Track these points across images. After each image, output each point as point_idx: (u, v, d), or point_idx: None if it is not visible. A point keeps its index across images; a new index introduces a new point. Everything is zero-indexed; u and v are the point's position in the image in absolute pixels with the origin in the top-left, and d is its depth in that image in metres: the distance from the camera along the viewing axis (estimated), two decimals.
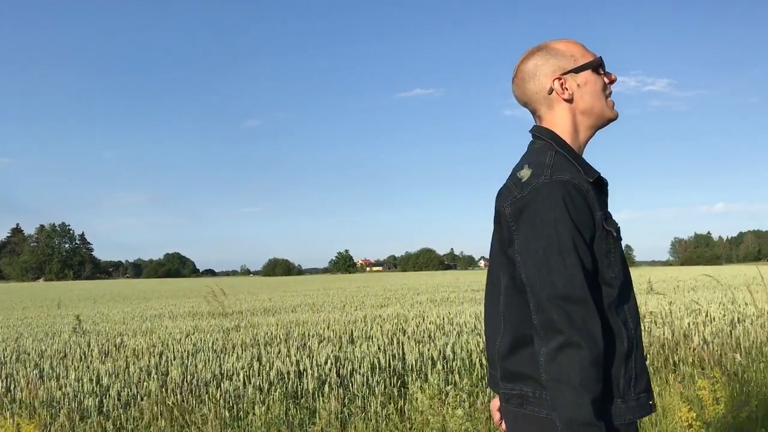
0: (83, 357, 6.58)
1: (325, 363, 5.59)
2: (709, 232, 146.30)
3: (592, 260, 1.33)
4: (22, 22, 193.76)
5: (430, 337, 6.87)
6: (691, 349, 5.52)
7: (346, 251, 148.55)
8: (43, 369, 5.91)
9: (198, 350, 6.59)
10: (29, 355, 6.92)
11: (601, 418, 1.25)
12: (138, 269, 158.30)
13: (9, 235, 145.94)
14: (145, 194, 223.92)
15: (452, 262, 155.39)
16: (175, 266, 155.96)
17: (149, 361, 5.95)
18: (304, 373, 5.32)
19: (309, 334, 7.47)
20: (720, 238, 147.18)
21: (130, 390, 5.04)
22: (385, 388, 5.00)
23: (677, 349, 5.62)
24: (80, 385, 5.22)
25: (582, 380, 1.22)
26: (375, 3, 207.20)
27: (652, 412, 1.40)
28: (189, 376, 5.31)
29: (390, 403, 4.73)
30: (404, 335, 7.01)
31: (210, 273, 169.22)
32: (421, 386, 4.78)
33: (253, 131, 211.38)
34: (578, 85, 1.47)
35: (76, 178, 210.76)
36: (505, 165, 1.54)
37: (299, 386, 5.06)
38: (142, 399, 4.86)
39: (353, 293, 21.65)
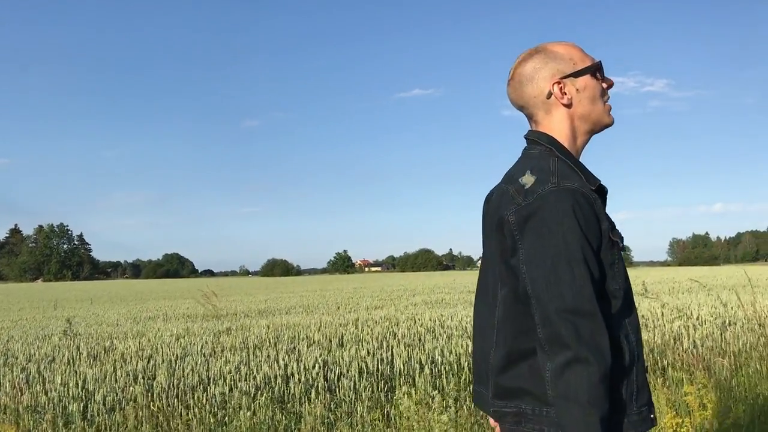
0: (71, 361, 6.55)
1: (313, 367, 5.56)
2: (707, 233, 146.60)
3: (599, 272, 1.29)
4: (20, 22, 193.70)
5: (420, 340, 6.84)
6: (679, 354, 5.51)
7: (345, 252, 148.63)
8: (30, 373, 5.87)
9: (187, 354, 6.56)
10: (17, 358, 6.88)
11: None
12: (137, 270, 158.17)
13: (7, 235, 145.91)
14: (144, 194, 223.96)
15: (451, 262, 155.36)
16: (174, 267, 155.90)
17: (137, 365, 5.92)
18: (292, 377, 5.30)
19: (299, 337, 7.45)
20: (718, 238, 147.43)
21: (116, 395, 5.01)
22: (372, 392, 4.98)
23: (666, 353, 5.60)
24: (65, 389, 5.18)
25: (590, 398, 1.18)
26: (374, 3, 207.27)
27: (654, 426, 1.37)
28: (176, 381, 5.28)
29: (377, 408, 4.71)
30: (394, 338, 6.98)
31: (209, 273, 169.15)
32: (407, 391, 4.77)
33: (253, 131, 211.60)
34: (577, 89, 1.43)
35: (74, 179, 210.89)
36: (504, 165, 1.49)
37: (286, 391, 5.03)
38: (127, 404, 4.84)
39: (349, 294, 21.62)
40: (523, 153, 1.46)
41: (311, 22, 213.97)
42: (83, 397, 5.05)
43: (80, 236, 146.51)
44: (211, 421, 4.54)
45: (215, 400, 4.84)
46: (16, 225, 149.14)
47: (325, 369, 5.56)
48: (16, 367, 6.22)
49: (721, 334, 6.23)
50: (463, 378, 5.21)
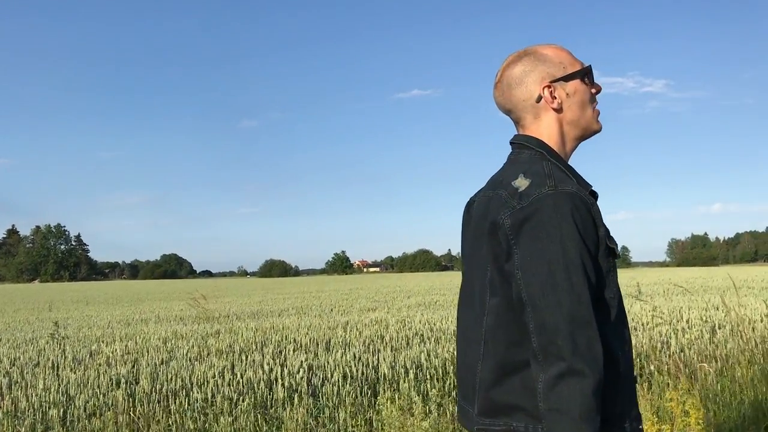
0: (55, 365, 6.50)
1: (298, 372, 5.52)
2: (706, 233, 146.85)
3: (596, 279, 1.25)
4: (19, 23, 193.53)
5: (407, 344, 6.81)
6: (666, 359, 5.47)
7: (343, 252, 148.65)
8: (13, 377, 5.83)
9: (172, 358, 6.52)
10: (1, 362, 6.84)
11: None
12: (135, 270, 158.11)
13: (5, 236, 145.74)
14: (143, 195, 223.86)
15: (449, 263, 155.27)
16: (172, 267, 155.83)
17: (120, 370, 5.88)
18: (276, 382, 5.26)
19: (287, 341, 7.41)
20: (717, 239, 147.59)
21: (97, 400, 4.97)
22: (355, 398, 4.94)
23: (653, 358, 5.57)
24: (47, 394, 5.14)
25: (582, 412, 1.14)
26: (373, 4, 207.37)
27: None
28: (159, 386, 5.24)
29: (359, 414, 4.67)
30: (382, 342, 6.94)
31: (207, 274, 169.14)
32: (391, 396, 4.72)
33: (251, 132, 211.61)
34: (567, 94, 1.39)
35: (72, 179, 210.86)
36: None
37: (269, 396, 4.99)
38: (108, 409, 4.80)
39: (345, 296, 21.57)
40: (509, 158, 1.41)
41: (310, 23, 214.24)
42: (64, 402, 5.01)
43: (78, 237, 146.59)
44: (192, 427, 4.50)
45: (197, 405, 4.80)
46: (13, 225, 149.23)
47: (310, 374, 5.53)
48: (0, 372, 6.18)
49: (711, 338, 6.20)
50: (447, 383, 5.17)
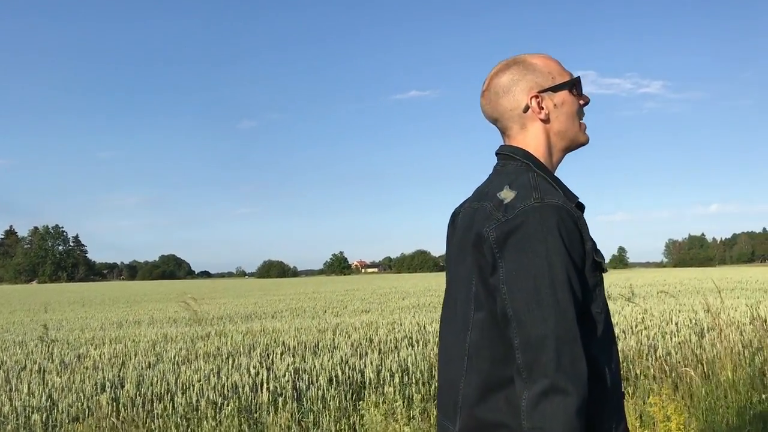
0: (42, 368, 6.48)
1: (284, 376, 5.51)
2: (703, 234, 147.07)
3: (583, 294, 1.22)
4: (19, 23, 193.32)
5: (396, 347, 6.79)
6: (652, 363, 5.46)
7: (341, 253, 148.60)
8: None
9: (159, 361, 6.50)
10: None
11: None
12: (133, 271, 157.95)
13: (2, 236, 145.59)
14: (141, 196, 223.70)
15: None
16: (171, 268, 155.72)
17: (106, 374, 5.86)
18: (261, 386, 5.24)
19: (276, 344, 7.39)
20: (714, 239, 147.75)
21: (82, 404, 4.95)
22: (340, 402, 4.92)
23: (638, 362, 5.56)
24: (31, 399, 5.12)
25: (565, 431, 1.11)
26: (372, 4, 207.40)
27: None
28: (144, 389, 5.22)
29: (343, 419, 4.66)
30: (370, 345, 6.93)
31: (206, 275, 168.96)
32: (375, 401, 4.71)
33: (249, 132, 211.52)
34: (555, 104, 1.36)
35: (71, 180, 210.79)
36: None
37: (254, 400, 4.97)
38: (91, 414, 4.78)
39: (340, 297, 21.56)
40: (494, 169, 1.38)
41: (309, 23, 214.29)
42: (48, 407, 4.99)
43: (76, 237, 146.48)
44: (175, 431, 4.49)
45: (181, 410, 4.79)
46: (11, 226, 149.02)
47: (296, 377, 5.51)
48: None
49: (699, 342, 6.19)
50: (433, 387, 5.16)
